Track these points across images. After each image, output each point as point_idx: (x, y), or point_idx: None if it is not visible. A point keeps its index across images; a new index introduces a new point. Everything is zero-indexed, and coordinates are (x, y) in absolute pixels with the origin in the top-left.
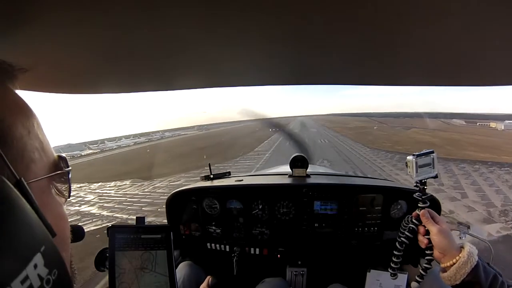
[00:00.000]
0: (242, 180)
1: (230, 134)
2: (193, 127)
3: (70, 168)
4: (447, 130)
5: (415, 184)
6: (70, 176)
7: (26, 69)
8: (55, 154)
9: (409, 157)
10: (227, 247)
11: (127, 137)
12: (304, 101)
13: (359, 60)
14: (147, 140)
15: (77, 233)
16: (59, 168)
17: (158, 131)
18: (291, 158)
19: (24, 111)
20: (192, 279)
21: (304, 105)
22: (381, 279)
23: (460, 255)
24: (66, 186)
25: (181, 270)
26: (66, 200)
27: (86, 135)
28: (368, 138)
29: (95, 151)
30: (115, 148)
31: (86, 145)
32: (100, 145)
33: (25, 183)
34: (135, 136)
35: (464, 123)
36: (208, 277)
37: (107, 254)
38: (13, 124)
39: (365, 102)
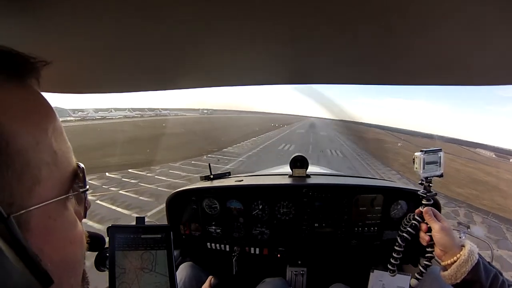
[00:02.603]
0: (242, 180)
1: (226, 123)
2: (197, 109)
3: (87, 187)
4: (488, 163)
5: (420, 181)
6: (87, 196)
7: (47, 61)
8: (74, 163)
9: (417, 153)
10: (227, 247)
11: (117, 109)
12: (314, 103)
13: (361, 59)
14: (138, 116)
15: (97, 242)
16: (77, 183)
17: (156, 108)
18: (291, 158)
19: (36, 113)
20: (193, 279)
21: (314, 106)
22: (384, 279)
23: (461, 253)
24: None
25: (183, 270)
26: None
27: (86, 103)
28: (398, 160)
29: (74, 118)
30: (96, 119)
31: (68, 112)
32: (85, 113)
33: (13, 220)
34: (130, 110)
35: (494, 156)
36: (210, 277)
37: (107, 254)
38: (15, 135)
39: (377, 113)
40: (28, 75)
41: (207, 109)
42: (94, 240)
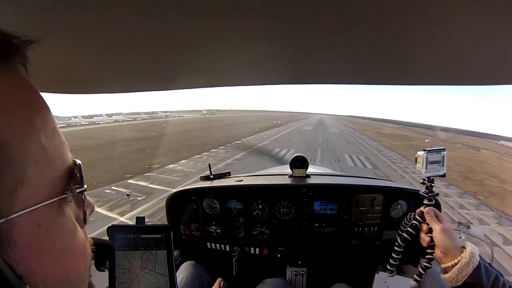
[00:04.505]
0: (242, 180)
1: (217, 123)
2: (201, 110)
3: (85, 187)
4: None
5: (422, 181)
6: (85, 197)
7: (32, 39)
8: (70, 160)
9: (420, 152)
10: (227, 247)
11: (112, 114)
12: (318, 99)
13: (362, 59)
14: (132, 119)
15: (104, 251)
16: (73, 183)
17: (154, 111)
18: (291, 159)
19: (19, 101)
20: (195, 279)
21: (319, 102)
22: (389, 281)
23: (462, 255)
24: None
25: (184, 270)
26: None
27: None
28: (452, 167)
29: (58, 125)
30: (81, 124)
31: (59, 118)
32: (72, 119)
33: None
34: (124, 114)
35: None
36: (219, 279)
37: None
38: None
39: (384, 107)
40: (11, 57)
41: (207, 110)
42: (101, 249)
